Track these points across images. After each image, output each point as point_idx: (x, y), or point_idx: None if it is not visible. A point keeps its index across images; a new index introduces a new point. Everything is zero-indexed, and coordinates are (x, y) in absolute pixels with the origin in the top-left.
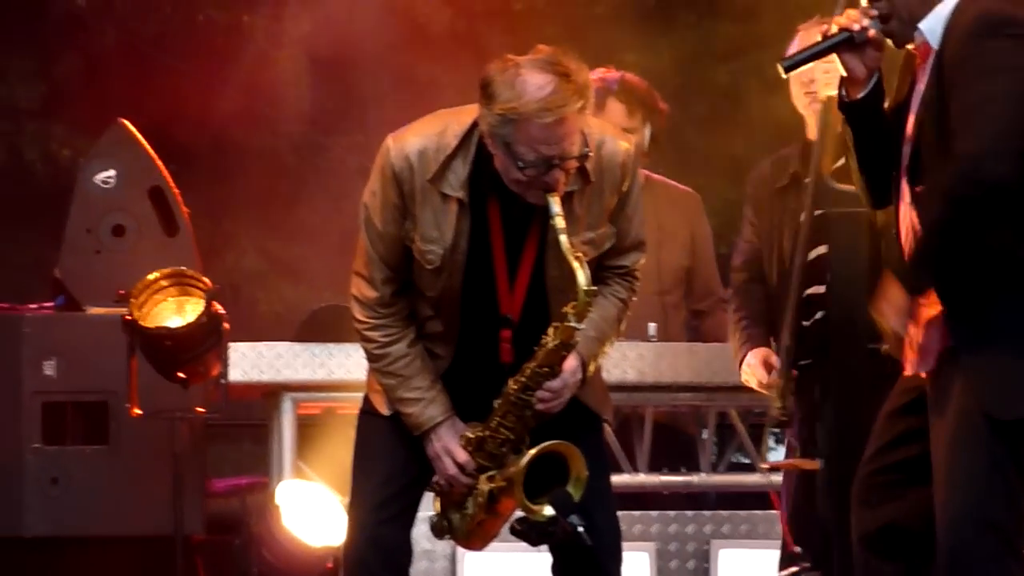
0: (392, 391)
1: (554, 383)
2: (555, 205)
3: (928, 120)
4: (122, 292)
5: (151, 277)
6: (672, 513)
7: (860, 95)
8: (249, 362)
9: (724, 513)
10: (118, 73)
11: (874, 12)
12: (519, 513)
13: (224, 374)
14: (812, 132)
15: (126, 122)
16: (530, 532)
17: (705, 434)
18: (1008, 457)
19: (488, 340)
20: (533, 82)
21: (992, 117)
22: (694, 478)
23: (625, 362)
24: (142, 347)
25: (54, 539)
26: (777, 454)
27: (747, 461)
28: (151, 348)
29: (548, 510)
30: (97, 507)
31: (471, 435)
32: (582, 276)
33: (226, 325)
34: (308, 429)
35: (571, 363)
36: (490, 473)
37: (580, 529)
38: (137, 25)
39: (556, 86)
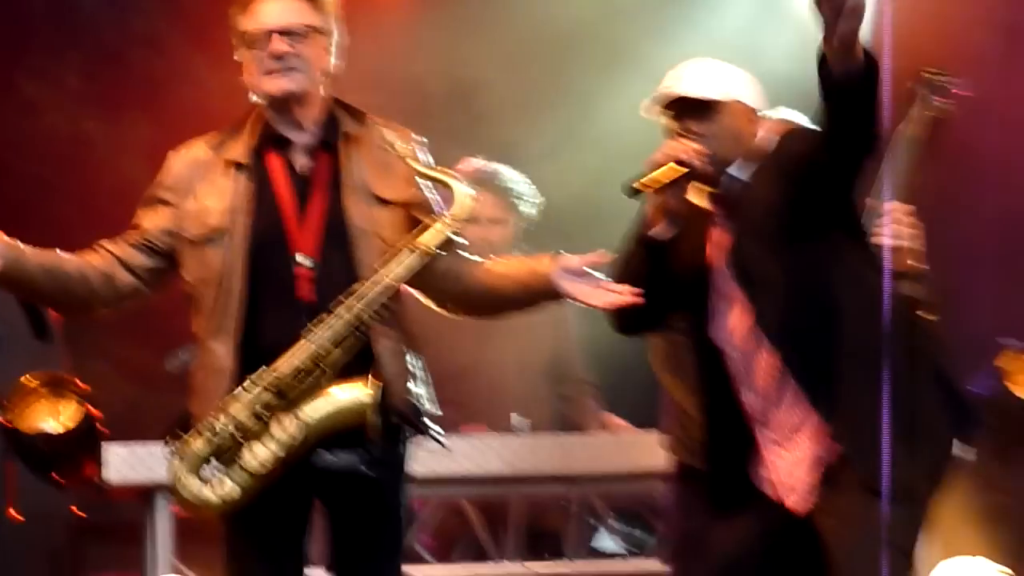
0: None
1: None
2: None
3: None
4: None
5: (25, 381)
6: None
7: (671, 235)
8: (123, 461)
9: None
10: None
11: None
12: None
13: (100, 475)
14: None
15: None
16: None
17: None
18: None
19: (285, 288)
20: None
21: None
22: (561, 567)
23: (489, 452)
24: (18, 451)
25: None
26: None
27: (614, 548)
28: (27, 452)
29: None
30: None
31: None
32: (458, 184)
33: (103, 428)
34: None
35: None
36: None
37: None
38: None
39: None
